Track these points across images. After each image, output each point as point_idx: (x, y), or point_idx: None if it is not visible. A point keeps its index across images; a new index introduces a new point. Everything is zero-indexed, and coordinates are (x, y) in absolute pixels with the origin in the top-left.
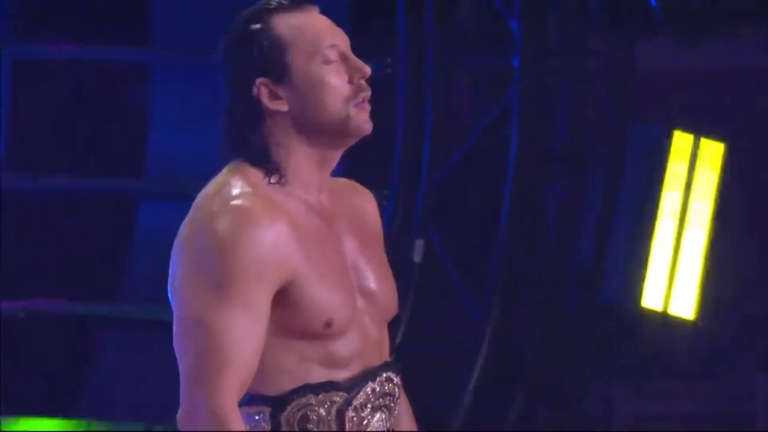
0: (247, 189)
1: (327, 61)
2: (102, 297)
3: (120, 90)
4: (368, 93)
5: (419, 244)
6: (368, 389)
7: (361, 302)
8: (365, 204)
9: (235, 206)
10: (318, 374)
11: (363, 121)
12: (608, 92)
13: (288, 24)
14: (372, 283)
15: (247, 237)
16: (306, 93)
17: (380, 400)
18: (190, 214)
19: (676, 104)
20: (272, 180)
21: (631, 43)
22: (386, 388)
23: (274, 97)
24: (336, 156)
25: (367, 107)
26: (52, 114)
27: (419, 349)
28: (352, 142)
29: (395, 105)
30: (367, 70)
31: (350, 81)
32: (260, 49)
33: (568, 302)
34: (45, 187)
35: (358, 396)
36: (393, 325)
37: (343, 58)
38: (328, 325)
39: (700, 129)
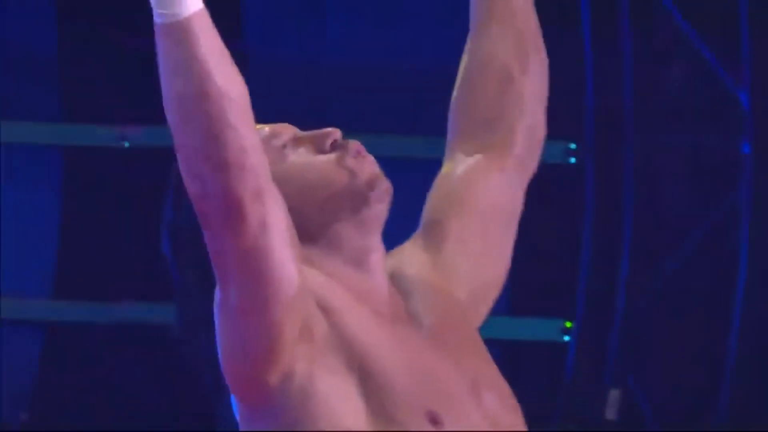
0: None
1: (284, 146)
2: None
3: None
4: (356, 145)
5: (614, 396)
6: None
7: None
8: None
9: None
10: None
11: (372, 174)
12: None
13: None
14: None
15: None
16: (285, 189)
17: None
18: None
19: None
20: None
21: None
22: None
23: None
24: (374, 241)
25: (368, 157)
26: None
27: None
28: (375, 210)
29: (581, 205)
30: (336, 131)
31: (321, 150)
32: None
33: None
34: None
35: None
36: None
37: (295, 140)
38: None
39: None
